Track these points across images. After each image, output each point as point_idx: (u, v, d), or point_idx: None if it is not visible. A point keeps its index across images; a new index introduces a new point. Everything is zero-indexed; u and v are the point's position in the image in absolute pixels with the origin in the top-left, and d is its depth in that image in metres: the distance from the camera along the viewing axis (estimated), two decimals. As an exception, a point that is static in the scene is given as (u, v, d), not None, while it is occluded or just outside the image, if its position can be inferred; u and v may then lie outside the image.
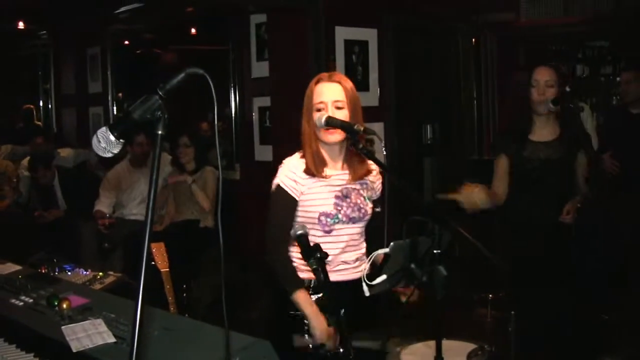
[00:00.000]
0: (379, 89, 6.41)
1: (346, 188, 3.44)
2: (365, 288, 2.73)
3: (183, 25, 9.94)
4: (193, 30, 10.22)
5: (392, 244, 2.67)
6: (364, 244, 3.56)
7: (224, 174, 6.98)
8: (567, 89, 4.50)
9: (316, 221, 3.37)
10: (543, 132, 4.64)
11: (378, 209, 3.58)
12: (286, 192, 3.38)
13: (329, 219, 3.36)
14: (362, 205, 3.46)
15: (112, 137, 2.00)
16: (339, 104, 3.35)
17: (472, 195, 4.52)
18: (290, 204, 3.39)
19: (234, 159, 7.74)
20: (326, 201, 3.38)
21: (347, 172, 3.48)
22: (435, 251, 2.70)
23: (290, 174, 3.39)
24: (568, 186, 4.67)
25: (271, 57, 6.50)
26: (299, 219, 3.39)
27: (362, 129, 3.03)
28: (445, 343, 2.85)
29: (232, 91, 7.49)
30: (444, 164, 8.19)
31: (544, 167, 4.58)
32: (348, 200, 3.41)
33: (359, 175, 3.48)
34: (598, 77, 9.01)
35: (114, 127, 2.01)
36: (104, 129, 2.01)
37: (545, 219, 4.58)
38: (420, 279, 2.70)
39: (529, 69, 4.79)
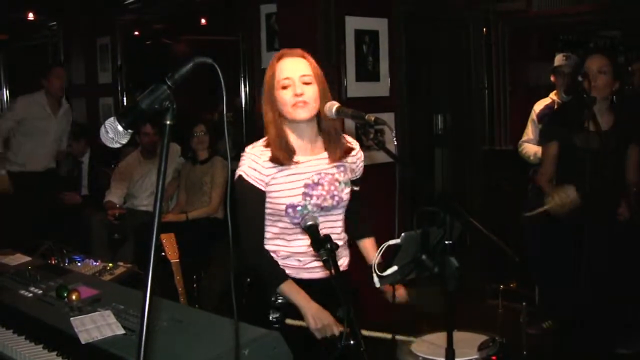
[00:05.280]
0: (389, 79, 6.38)
1: (319, 174, 3.27)
2: (375, 279, 2.70)
3: (193, 15, 9.93)
4: (203, 21, 10.20)
5: (403, 234, 2.64)
6: (343, 234, 3.43)
7: (233, 165, 6.95)
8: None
9: (283, 213, 3.21)
10: (597, 121, 4.55)
11: (357, 188, 3.45)
12: (250, 183, 3.19)
13: (297, 211, 3.20)
14: (336, 192, 3.29)
15: (120, 128, 1.98)
16: (307, 79, 3.16)
17: (568, 199, 4.47)
18: (256, 196, 3.20)
19: (243, 149, 7.71)
20: (293, 192, 3.20)
21: (318, 155, 3.31)
22: (446, 242, 2.68)
23: (253, 163, 3.21)
24: (619, 179, 4.60)
25: (281, 47, 6.46)
26: (267, 211, 3.25)
27: (372, 119, 2.96)
28: (456, 334, 2.83)
29: (243, 81, 7.47)
30: (455, 154, 8.16)
31: (596, 158, 4.49)
32: (320, 188, 3.24)
33: (338, 156, 3.30)
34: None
35: (122, 117, 1.99)
36: (111, 119, 1.99)
37: (593, 212, 4.49)
38: (431, 270, 2.67)
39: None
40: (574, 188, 4.48)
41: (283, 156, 3.19)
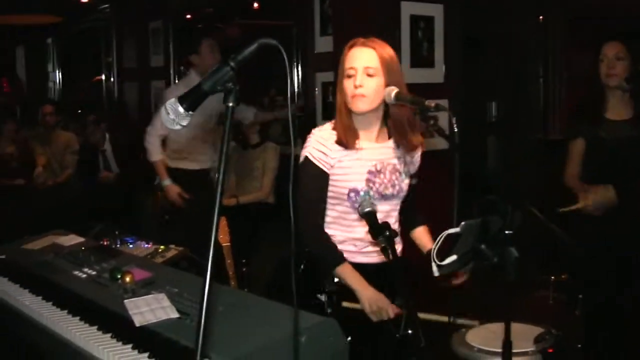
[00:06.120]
0: (444, 66, 6.30)
1: (381, 162, 3.29)
2: (434, 268, 2.65)
3: (245, -1, 9.93)
4: (255, 5, 10.17)
5: (463, 223, 2.58)
6: (397, 224, 3.42)
7: (285, 149, 6.93)
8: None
9: (345, 197, 3.24)
10: (619, 110, 4.42)
11: (414, 182, 3.46)
12: (315, 165, 3.21)
13: (360, 196, 3.21)
14: (397, 182, 3.32)
15: (180, 109, 1.97)
16: (371, 71, 3.16)
17: (607, 196, 4.34)
18: (320, 177, 3.23)
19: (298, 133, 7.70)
20: (358, 176, 3.24)
21: (383, 144, 3.32)
22: (506, 232, 2.62)
23: (320, 145, 3.23)
24: None
25: (335, 32, 6.42)
26: (329, 194, 3.28)
27: (433, 105, 2.92)
28: (512, 326, 2.77)
29: (295, 66, 7.45)
30: (508, 143, 8.07)
31: (623, 147, 4.38)
32: (382, 176, 3.27)
33: (411, 146, 3.33)
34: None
35: (183, 98, 1.98)
36: (172, 100, 1.98)
37: (625, 205, 4.38)
38: (491, 260, 2.62)
39: (596, 46, 4.62)
40: (611, 187, 4.34)
41: (348, 139, 3.21)
